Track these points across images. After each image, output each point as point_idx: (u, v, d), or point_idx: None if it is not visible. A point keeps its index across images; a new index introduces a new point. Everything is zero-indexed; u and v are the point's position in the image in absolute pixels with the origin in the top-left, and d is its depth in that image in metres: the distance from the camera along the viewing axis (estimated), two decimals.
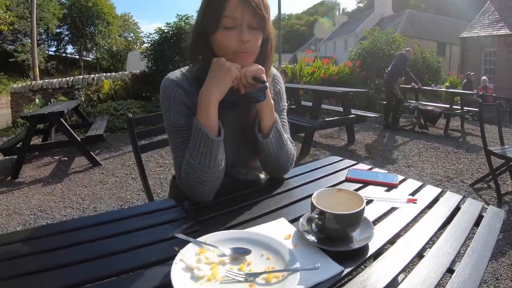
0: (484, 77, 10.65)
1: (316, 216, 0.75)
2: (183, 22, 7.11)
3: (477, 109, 3.90)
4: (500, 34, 14.07)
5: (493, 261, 2.24)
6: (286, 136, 1.19)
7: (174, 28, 7.09)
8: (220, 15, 0.97)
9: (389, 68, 7.07)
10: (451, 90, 8.12)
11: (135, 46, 33.40)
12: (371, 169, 1.33)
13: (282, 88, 1.27)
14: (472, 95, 8.29)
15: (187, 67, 1.15)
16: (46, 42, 32.18)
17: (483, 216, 0.98)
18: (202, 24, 1.03)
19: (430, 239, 0.84)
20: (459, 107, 7.47)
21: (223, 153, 1.02)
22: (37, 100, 7.53)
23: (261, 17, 0.98)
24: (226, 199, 1.03)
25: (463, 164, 4.49)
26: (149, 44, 7.45)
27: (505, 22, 14.26)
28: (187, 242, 0.73)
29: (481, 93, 9.41)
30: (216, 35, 1.00)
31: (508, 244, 2.45)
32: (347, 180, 1.20)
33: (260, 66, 1.02)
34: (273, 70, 1.25)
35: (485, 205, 1.05)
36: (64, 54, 34.30)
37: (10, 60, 25.33)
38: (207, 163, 0.97)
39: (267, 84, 1.03)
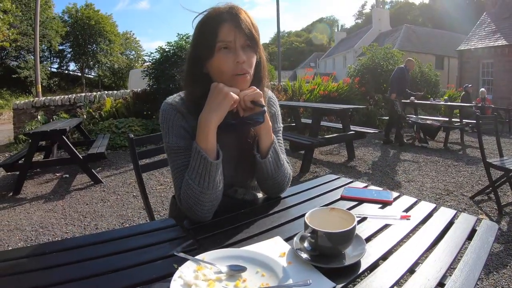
0: (482, 89, 10.73)
1: (309, 234, 0.78)
2: (183, 41, 7.21)
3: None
4: (497, 45, 14.21)
5: (494, 273, 2.25)
6: (283, 156, 1.22)
7: (175, 47, 7.18)
8: (215, 40, 1.02)
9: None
10: (449, 103, 8.18)
11: (136, 64, 33.77)
12: (366, 186, 1.35)
13: (278, 110, 1.31)
14: (470, 108, 8.35)
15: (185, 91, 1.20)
16: (49, 59, 32.55)
17: (476, 230, 0.99)
18: (197, 51, 1.08)
19: (422, 254, 0.86)
20: (458, 120, 7.52)
21: (222, 175, 1.05)
22: (39, 117, 7.61)
23: (253, 38, 1.04)
24: (224, 219, 1.06)
25: (463, 177, 4.50)
26: (150, 63, 7.53)
27: (501, 33, 14.43)
28: (186, 259, 0.76)
29: (479, 104, 9.46)
30: (212, 60, 1.05)
31: (509, 255, 2.46)
32: (342, 198, 1.22)
33: (258, 90, 1.06)
34: (269, 92, 1.29)
35: (483, 218, 1.07)
36: (66, 71, 34.67)
37: (13, 76, 25.58)
38: (206, 184, 1.00)
39: (265, 108, 1.07)
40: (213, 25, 1.03)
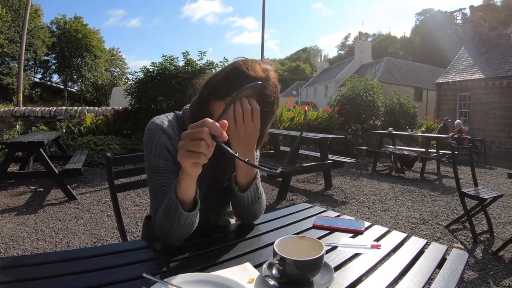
0: (458, 121, 11.09)
1: (277, 262, 0.80)
2: (168, 63, 7.25)
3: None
4: (474, 78, 14.76)
5: None
6: (262, 189, 1.22)
7: (159, 68, 7.19)
8: None
9: None
10: (426, 134, 8.40)
11: (120, 82, 33.66)
12: (339, 216, 1.36)
13: None
14: (447, 139, 8.58)
15: (172, 113, 1.19)
16: (33, 69, 32.23)
17: (446, 259, 1.01)
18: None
19: (391, 283, 0.86)
20: (435, 151, 7.71)
21: (196, 217, 1.01)
22: (17, 127, 7.46)
23: None
24: (196, 243, 1.05)
25: (438, 206, 4.60)
26: (134, 82, 7.51)
27: (479, 67, 15.05)
28: (154, 282, 0.76)
29: (456, 136, 9.76)
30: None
31: (484, 282, 2.49)
32: (314, 227, 1.23)
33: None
34: None
35: (458, 246, 1.08)
36: (49, 83, 34.32)
37: None
38: (175, 225, 0.96)
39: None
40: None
